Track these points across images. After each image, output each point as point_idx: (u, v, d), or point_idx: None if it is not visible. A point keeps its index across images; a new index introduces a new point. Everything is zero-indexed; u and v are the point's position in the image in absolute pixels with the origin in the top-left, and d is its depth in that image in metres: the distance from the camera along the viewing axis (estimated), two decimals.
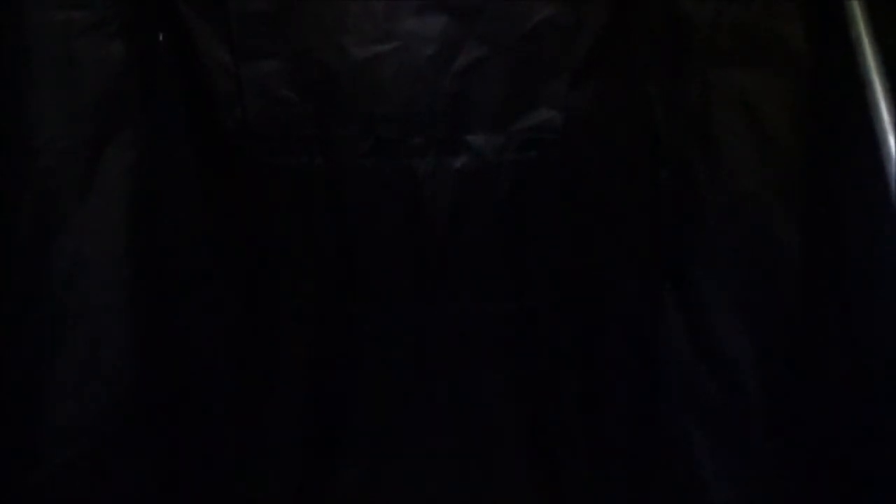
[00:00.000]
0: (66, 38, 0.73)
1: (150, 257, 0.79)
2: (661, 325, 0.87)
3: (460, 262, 0.93)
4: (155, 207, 0.79)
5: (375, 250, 0.92)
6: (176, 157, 0.83)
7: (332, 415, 0.94)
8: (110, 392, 0.74)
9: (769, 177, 0.79)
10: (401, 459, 0.95)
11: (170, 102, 0.83)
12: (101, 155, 0.76)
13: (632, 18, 0.86)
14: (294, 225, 0.91)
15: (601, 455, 0.93)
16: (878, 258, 0.70)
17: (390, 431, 0.95)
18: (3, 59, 0.69)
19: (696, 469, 0.84)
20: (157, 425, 0.80)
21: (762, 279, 0.80)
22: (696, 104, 0.83)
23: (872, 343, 0.71)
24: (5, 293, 0.66)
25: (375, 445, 0.95)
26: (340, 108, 0.88)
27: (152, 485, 0.79)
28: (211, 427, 0.88)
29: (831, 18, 0.73)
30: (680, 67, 0.85)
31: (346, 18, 0.86)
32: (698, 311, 0.84)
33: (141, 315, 0.78)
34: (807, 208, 0.78)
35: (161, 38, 0.82)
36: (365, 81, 0.87)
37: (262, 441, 0.93)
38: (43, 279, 0.70)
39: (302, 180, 0.89)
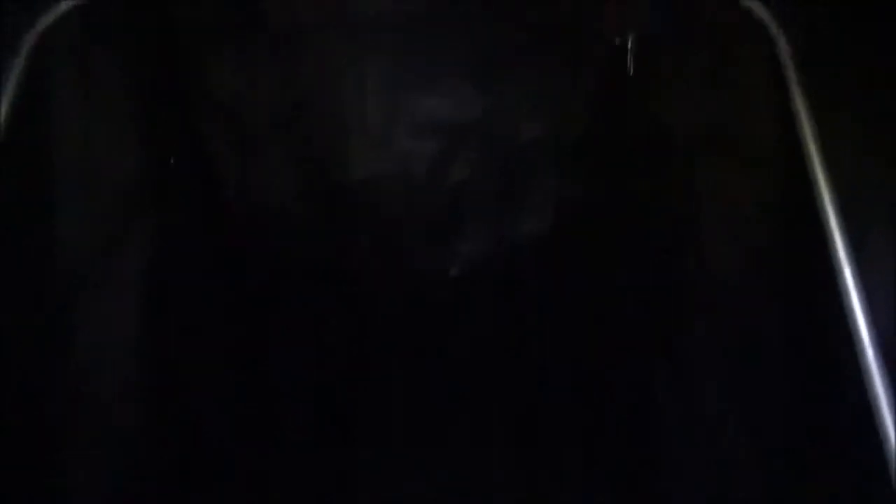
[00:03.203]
0: (88, 148, 0.79)
1: (161, 349, 0.83)
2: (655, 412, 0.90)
3: (458, 362, 0.97)
4: (167, 303, 0.84)
5: (374, 353, 0.96)
6: (188, 257, 0.88)
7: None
8: (120, 483, 0.77)
9: (750, 271, 0.83)
10: None
11: (184, 205, 0.89)
12: (118, 254, 0.80)
13: (612, 128, 0.93)
14: (296, 320, 0.95)
15: None
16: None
17: None
18: (27, 167, 0.74)
19: None
20: None
21: (749, 366, 0.83)
22: (678, 198, 0.89)
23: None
24: (22, 383, 0.70)
25: None
26: (341, 218, 0.94)
27: None
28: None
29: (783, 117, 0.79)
30: (661, 170, 0.91)
31: (347, 137, 0.93)
32: (689, 390, 0.87)
33: (151, 405, 0.81)
34: (785, 299, 0.81)
35: (178, 144, 0.88)
36: (364, 195, 0.94)
37: None
38: (58, 372, 0.73)
39: (305, 281, 0.94)
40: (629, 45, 0.93)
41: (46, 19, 0.80)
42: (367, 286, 0.95)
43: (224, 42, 0.88)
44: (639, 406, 0.91)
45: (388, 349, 0.96)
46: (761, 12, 0.86)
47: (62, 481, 0.72)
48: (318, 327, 0.95)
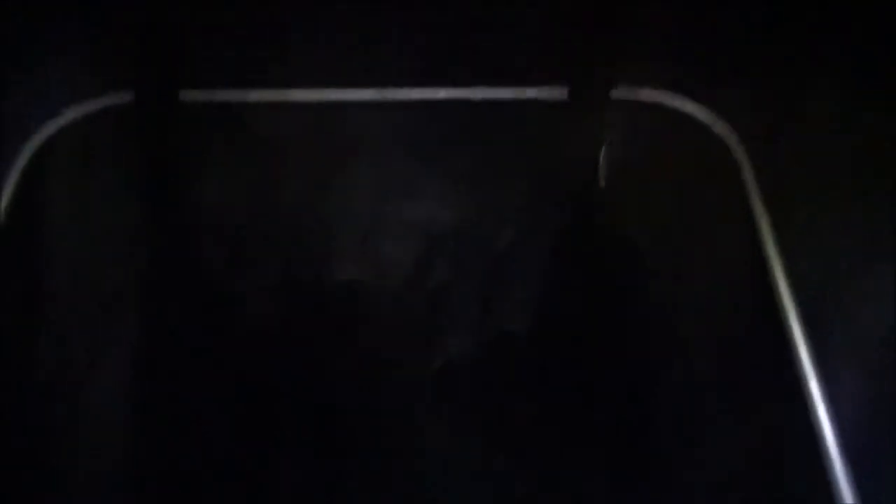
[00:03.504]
0: (84, 245, 0.81)
1: (152, 418, 0.83)
2: None
3: (439, 453, 0.97)
4: (152, 405, 0.85)
5: (357, 447, 0.97)
6: (173, 355, 0.90)
7: None
8: None
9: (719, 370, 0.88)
10: None
11: (170, 305, 0.91)
12: (103, 354, 0.82)
13: (582, 237, 0.99)
14: (280, 423, 0.95)
15: None
16: None
17: None
18: (25, 262, 0.76)
19: None
20: None
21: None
22: (650, 309, 0.94)
23: None
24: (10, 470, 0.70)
25: None
26: (321, 319, 0.96)
27: None
28: None
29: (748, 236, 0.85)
30: (630, 278, 0.96)
31: (331, 241, 0.97)
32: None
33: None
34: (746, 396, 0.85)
35: (165, 247, 0.91)
36: (345, 298, 0.97)
37: None
38: (50, 439, 0.74)
39: (287, 382, 0.95)
40: (600, 159, 0.98)
41: (46, 130, 0.84)
42: (344, 385, 0.97)
43: (212, 151, 0.93)
44: None
45: (366, 452, 0.96)
46: (729, 139, 0.93)
47: None
48: (300, 430, 0.96)
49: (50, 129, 0.84)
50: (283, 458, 0.93)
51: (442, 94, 0.95)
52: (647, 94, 0.95)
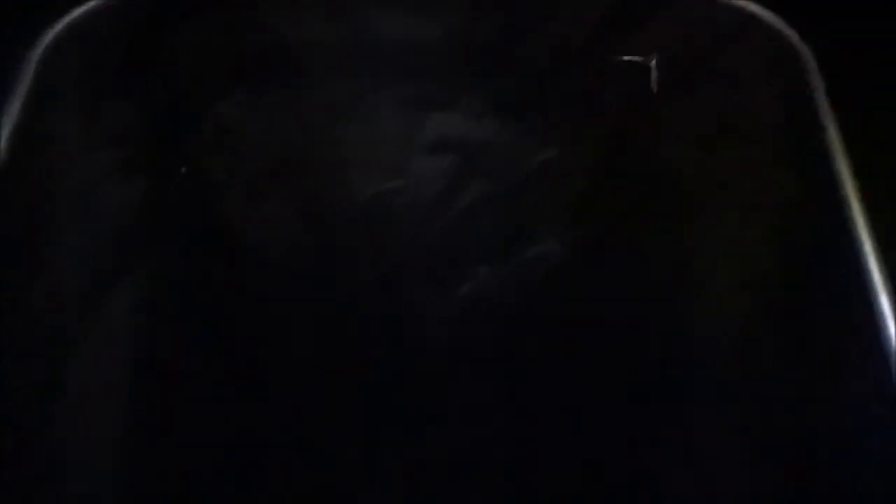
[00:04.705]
0: (88, 178, 0.78)
1: (152, 388, 0.83)
2: (653, 450, 0.89)
3: (460, 387, 0.96)
4: (160, 340, 0.84)
5: (374, 375, 0.95)
6: (184, 291, 0.88)
7: None
8: None
9: (756, 315, 0.81)
10: None
11: (184, 236, 0.88)
12: (114, 288, 0.80)
13: (625, 160, 0.91)
14: (293, 353, 0.94)
15: None
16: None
17: None
18: (28, 197, 0.73)
19: None
20: None
21: (755, 413, 0.81)
22: (689, 244, 0.87)
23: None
24: (11, 422, 0.70)
25: None
26: (346, 241, 0.93)
27: None
28: None
29: (814, 164, 0.76)
30: (672, 208, 0.89)
31: (356, 156, 0.91)
32: (688, 434, 0.86)
33: (139, 446, 0.81)
34: (793, 342, 0.79)
35: (182, 173, 0.87)
36: (372, 217, 0.92)
37: None
38: (47, 412, 0.73)
39: (303, 311, 0.93)
40: (652, 66, 0.89)
41: (51, 33, 0.79)
42: (367, 310, 0.94)
43: (230, 69, 0.86)
44: (637, 450, 0.90)
45: (385, 379, 0.95)
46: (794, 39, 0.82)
47: None
48: (311, 357, 0.94)
49: (51, 33, 0.78)
50: (293, 387, 0.93)
51: None
52: None
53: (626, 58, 0.89)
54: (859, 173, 0.73)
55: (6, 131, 0.70)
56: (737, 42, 0.83)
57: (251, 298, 0.92)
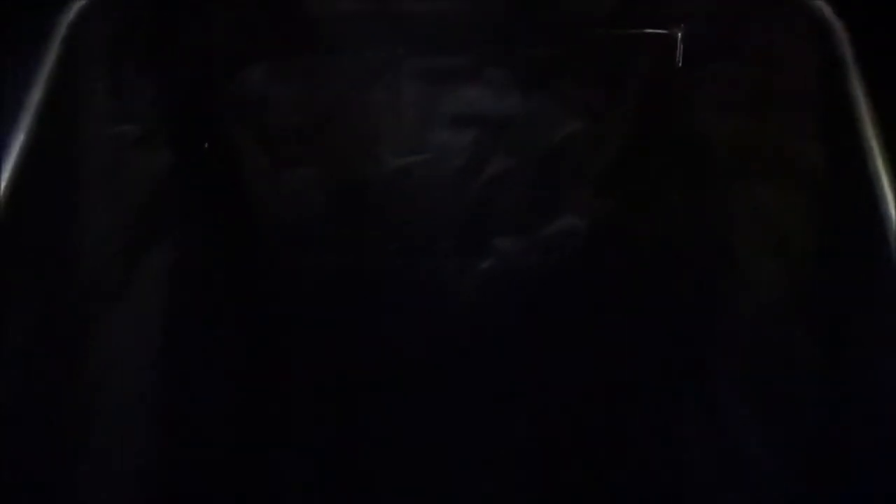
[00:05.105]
0: (115, 150, 0.78)
1: (178, 361, 0.83)
2: (679, 427, 0.89)
3: (480, 360, 0.96)
4: (187, 311, 0.84)
5: (397, 346, 0.95)
6: (210, 262, 0.88)
7: None
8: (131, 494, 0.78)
9: (789, 289, 0.80)
10: None
11: (209, 209, 0.88)
12: (140, 261, 0.80)
13: (651, 132, 0.90)
14: (317, 322, 0.95)
15: None
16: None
17: None
18: (53, 170, 0.73)
19: None
20: None
21: (783, 390, 0.81)
22: (717, 216, 0.86)
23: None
24: (36, 392, 0.70)
25: None
26: (370, 213, 0.92)
27: None
28: None
29: (847, 135, 0.75)
30: (700, 180, 0.88)
31: (381, 129, 0.91)
32: (714, 410, 0.86)
33: (165, 419, 0.81)
34: (826, 320, 0.78)
35: (206, 146, 0.87)
36: (396, 189, 0.92)
37: None
38: (74, 379, 0.74)
39: (328, 280, 0.93)
40: (679, 38, 0.88)
41: (76, 6, 0.78)
42: (390, 283, 0.94)
43: (256, 41, 0.86)
44: (664, 433, 0.89)
45: (407, 349, 0.95)
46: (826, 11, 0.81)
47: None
48: (335, 327, 0.95)
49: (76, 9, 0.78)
50: (317, 352, 0.93)
51: None
52: None
53: (651, 30, 0.88)
54: (890, 145, 0.73)
55: (36, 103, 0.70)
56: (769, 14, 0.82)
57: (276, 268, 0.92)
